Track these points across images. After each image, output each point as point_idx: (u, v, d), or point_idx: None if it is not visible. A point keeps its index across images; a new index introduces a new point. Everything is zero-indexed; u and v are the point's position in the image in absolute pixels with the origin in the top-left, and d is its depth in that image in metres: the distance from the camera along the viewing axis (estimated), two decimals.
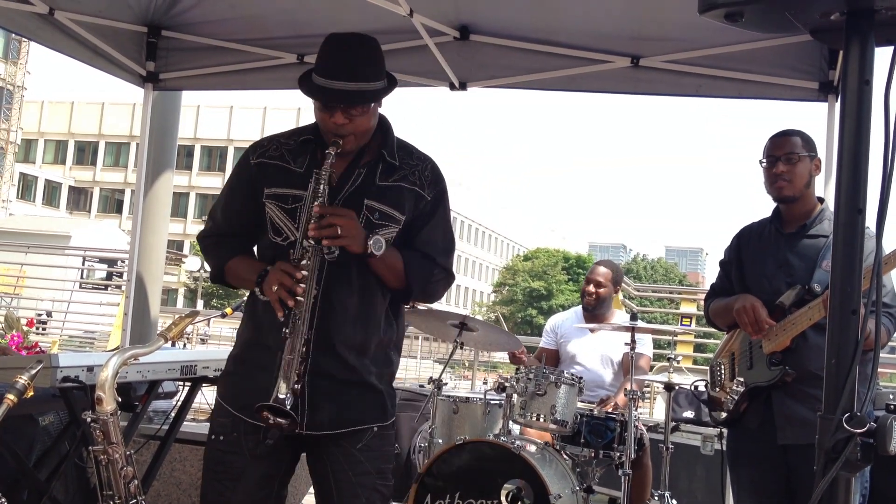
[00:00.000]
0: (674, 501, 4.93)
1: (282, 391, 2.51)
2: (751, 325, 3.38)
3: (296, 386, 2.53)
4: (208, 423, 2.89)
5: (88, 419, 2.55)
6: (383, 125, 2.82)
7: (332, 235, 2.57)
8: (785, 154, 3.43)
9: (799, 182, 3.44)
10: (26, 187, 54.83)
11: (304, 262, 2.58)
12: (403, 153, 2.80)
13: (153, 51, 5.39)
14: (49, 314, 12.54)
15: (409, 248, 2.76)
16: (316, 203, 2.59)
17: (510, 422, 4.81)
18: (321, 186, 2.61)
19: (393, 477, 2.83)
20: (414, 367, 18.41)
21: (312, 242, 2.58)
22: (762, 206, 3.72)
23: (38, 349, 6.15)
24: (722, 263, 3.74)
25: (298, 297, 2.54)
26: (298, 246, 2.62)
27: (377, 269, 2.69)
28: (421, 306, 5.74)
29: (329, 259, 2.62)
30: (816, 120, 4.62)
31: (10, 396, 2.54)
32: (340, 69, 2.62)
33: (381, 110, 2.80)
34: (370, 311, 2.73)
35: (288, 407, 2.50)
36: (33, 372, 2.60)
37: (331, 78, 2.62)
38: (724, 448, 3.79)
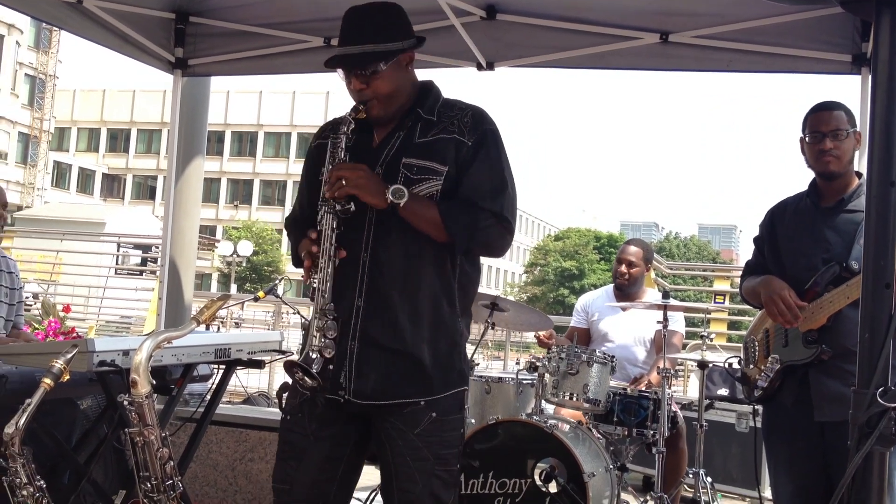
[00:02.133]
0: (708, 479, 4.91)
1: (311, 351, 2.54)
2: (782, 316, 3.33)
3: (322, 346, 2.54)
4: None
5: (125, 402, 2.58)
6: (426, 88, 2.81)
7: (338, 188, 2.59)
8: (831, 130, 3.34)
9: (845, 158, 3.38)
10: (60, 175, 55.40)
11: (320, 223, 2.61)
12: (445, 108, 2.78)
13: (181, 37, 5.42)
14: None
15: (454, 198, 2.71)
16: (329, 167, 2.65)
17: (543, 401, 4.81)
18: (339, 151, 2.66)
19: (454, 461, 2.74)
20: None
21: (328, 201, 2.61)
22: (796, 182, 3.67)
23: (74, 334, 6.24)
24: (756, 240, 3.70)
25: (315, 258, 2.58)
26: (319, 207, 2.65)
27: (412, 222, 2.64)
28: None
29: (342, 215, 2.61)
30: (850, 93, 4.56)
31: (47, 380, 2.59)
32: (348, 35, 2.68)
33: (426, 77, 2.83)
34: (419, 272, 2.68)
35: (314, 368, 2.51)
36: (69, 356, 2.64)
37: (341, 45, 2.68)
38: (760, 424, 3.76)
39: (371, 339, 2.65)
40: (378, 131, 2.77)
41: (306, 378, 2.54)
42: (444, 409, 2.70)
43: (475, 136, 2.71)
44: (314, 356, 2.54)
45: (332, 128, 2.82)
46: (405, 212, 2.62)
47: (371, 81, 2.65)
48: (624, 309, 5.56)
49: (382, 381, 2.65)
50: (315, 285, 2.59)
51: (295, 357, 2.60)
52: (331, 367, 2.58)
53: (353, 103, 2.73)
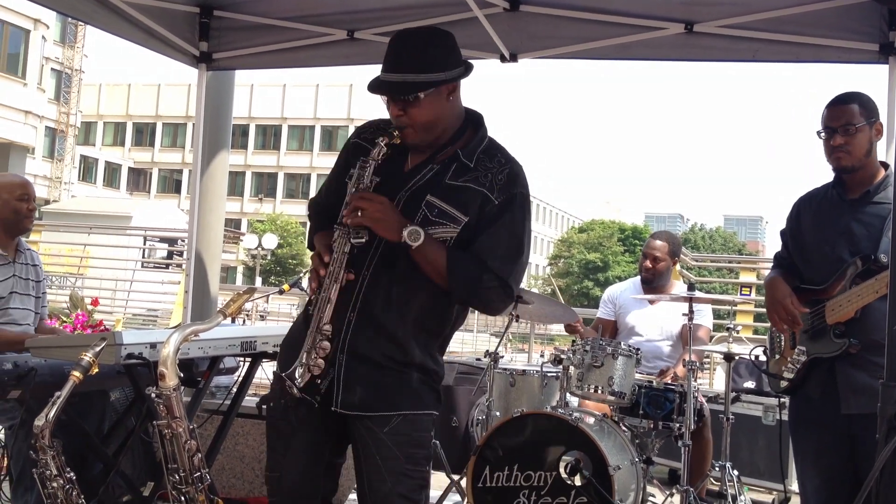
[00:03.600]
0: (735, 472, 4.89)
1: (298, 367, 2.63)
2: (783, 322, 3.40)
3: (311, 364, 2.62)
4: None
5: (152, 394, 2.60)
6: (474, 123, 2.78)
7: (354, 217, 2.62)
8: (842, 125, 3.32)
9: (858, 152, 3.34)
10: (87, 169, 55.80)
11: (334, 244, 2.65)
12: (485, 155, 2.73)
13: (206, 31, 5.45)
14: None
15: (465, 250, 2.70)
16: (353, 189, 2.66)
17: (567, 394, 4.80)
18: (365, 173, 2.66)
19: (425, 462, 2.78)
20: (470, 341, 18.46)
21: (344, 226, 2.64)
22: (823, 173, 3.64)
23: (102, 327, 6.30)
24: (782, 233, 3.68)
25: (322, 278, 2.64)
26: (335, 227, 2.69)
27: (417, 261, 2.65)
28: None
29: (356, 244, 2.64)
30: (878, 82, 4.51)
31: (76, 373, 2.61)
32: (390, 61, 2.66)
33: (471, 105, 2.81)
34: (414, 302, 2.70)
35: (298, 384, 2.63)
36: (97, 349, 2.67)
37: (384, 71, 2.66)
38: (787, 417, 3.74)
39: (358, 353, 2.67)
40: (413, 155, 2.75)
41: (293, 389, 2.64)
42: (414, 408, 2.74)
43: (504, 197, 2.69)
44: (299, 372, 2.63)
45: (372, 133, 2.78)
46: (415, 253, 2.63)
47: (408, 109, 2.64)
48: (651, 302, 5.54)
49: (368, 394, 2.67)
50: (318, 304, 2.64)
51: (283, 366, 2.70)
52: (318, 381, 2.64)
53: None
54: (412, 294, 2.70)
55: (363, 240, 2.64)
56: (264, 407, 2.88)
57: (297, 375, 2.62)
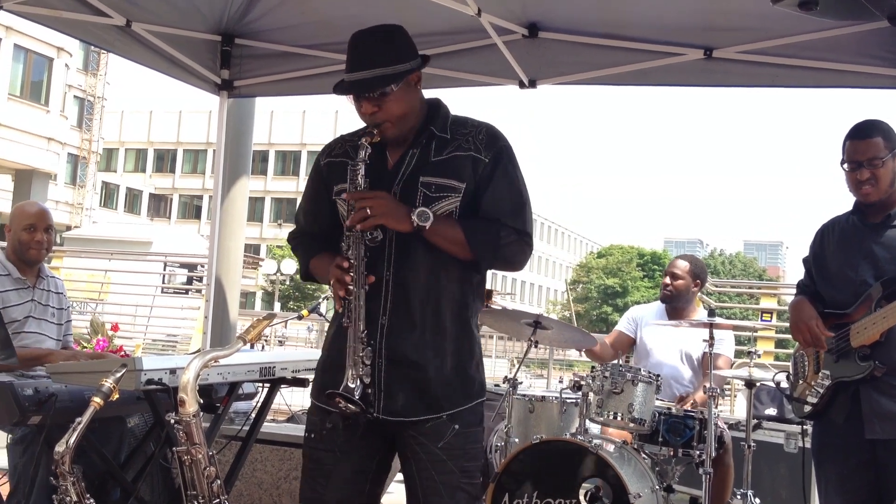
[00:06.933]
0: (757, 500, 4.83)
1: (350, 380, 2.60)
2: (808, 345, 3.41)
3: (362, 374, 2.60)
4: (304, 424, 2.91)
5: (172, 421, 2.60)
6: (433, 106, 2.84)
7: (363, 217, 2.62)
8: (868, 160, 3.32)
9: (884, 184, 3.35)
10: (108, 195, 56.23)
11: (349, 251, 2.65)
12: (457, 125, 2.81)
13: (227, 59, 5.49)
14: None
15: (475, 216, 2.75)
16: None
17: (587, 420, 4.77)
18: (358, 178, 2.68)
19: (478, 475, 2.80)
20: (489, 367, 18.37)
21: (356, 231, 2.65)
22: (843, 197, 3.64)
23: (122, 353, 6.33)
24: (805, 261, 3.68)
25: (349, 287, 2.62)
26: (344, 237, 2.70)
27: (437, 242, 2.69)
28: (495, 305, 5.74)
29: (371, 244, 2.66)
30: None
31: (97, 399, 2.61)
32: (355, 61, 2.71)
33: (438, 96, 2.87)
34: (444, 288, 2.73)
35: (356, 396, 2.58)
36: (118, 375, 2.67)
37: (349, 71, 2.71)
38: (809, 444, 3.71)
39: (397, 356, 2.68)
40: (391, 152, 2.79)
41: (350, 406, 2.60)
42: (466, 422, 2.74)
43: (492, 153, 2.76)
44: (354, 385, 2.60)
45: (341, 147, 2.88)
46: (430, 234, 2.67)
47: (383, 104, 2.68)
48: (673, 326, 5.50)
49: (411, 398, 2.68)
50: (350, 313, 2.64)
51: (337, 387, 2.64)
52: (369, 391, 2.64)
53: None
54: (437, 281, 2.73)
55: (378, 238, 2.68)
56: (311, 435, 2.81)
57: (352, 387, 2.59)
